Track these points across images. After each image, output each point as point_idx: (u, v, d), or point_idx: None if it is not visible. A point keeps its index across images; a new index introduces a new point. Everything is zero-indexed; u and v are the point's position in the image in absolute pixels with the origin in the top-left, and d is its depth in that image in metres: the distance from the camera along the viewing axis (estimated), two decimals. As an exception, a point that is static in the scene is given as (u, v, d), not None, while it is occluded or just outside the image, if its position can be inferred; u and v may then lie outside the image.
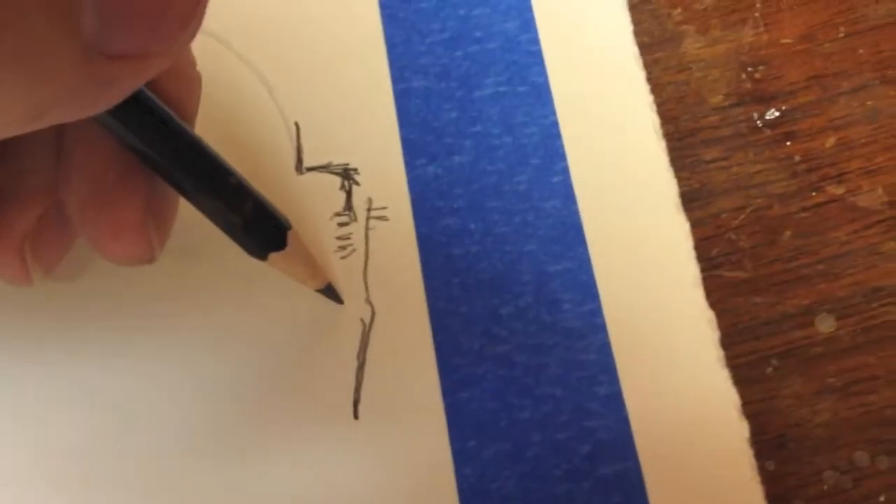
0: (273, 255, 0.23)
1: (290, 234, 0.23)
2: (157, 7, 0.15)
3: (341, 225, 0.26)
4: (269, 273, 0.25)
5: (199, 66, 0.28)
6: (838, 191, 0.27)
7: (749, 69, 0.28)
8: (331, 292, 0.25)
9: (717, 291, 0.26)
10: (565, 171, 0.27)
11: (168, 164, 0.20)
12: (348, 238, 0.26)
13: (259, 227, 0.22)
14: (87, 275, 0.26)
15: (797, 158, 0.27)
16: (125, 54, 0.16)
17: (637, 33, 0.29)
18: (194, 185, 0.21)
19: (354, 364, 0.25)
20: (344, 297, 0.26)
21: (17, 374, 0.25)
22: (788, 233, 0.26)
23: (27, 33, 0.14)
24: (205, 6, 0.16)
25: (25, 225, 0.22)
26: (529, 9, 0.29)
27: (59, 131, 0.21)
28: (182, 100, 0.21)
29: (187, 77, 0.22)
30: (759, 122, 0.28)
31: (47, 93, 0.15)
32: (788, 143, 0.27)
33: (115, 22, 0.15)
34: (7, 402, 0.25)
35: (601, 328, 0.25)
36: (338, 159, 0.27)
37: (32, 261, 0.22)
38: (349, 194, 0.27)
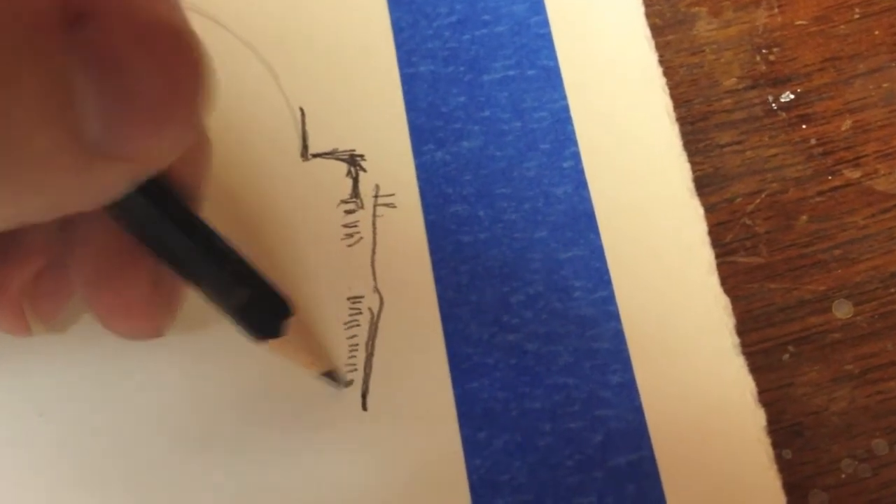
0: (271, 342, 0.21)
1: (292, 321, 0.21)
2: (161, 111, 0.15)
3: (348, 212, 0.26)
4: (274, 265, 0.24)
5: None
6: (855, 174, 0.26)
7: (763, 51, 0.28)
8: (334, 377, 0.24)
9: (732, 277, 0.25)
10: (576, 157, 0.26)
11: (162, 249, 0.19)
12: (355, 226, 0.26)
13: (254, 315, 0.21)
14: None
15: (813, 142, 0.27)
16: (126, 157, 0.15)
17: (649, 15, 0.28)
18: (188, 272, 0.20)
19: (363, 355, 0.24)
20: (338, 280, 0.25)
21: (13, 374, 0.25)
22: (804, 217, 0.26)
23: (25, 154, 0.13)
24: (203, 110, 0.16)
25: (23, 281, 0.21)
26: (538, -9, 0.28)
27: None
28: (187, 173, 0.20)
29: (194, 147, 0.20)
30: (773, 104, 0.27)
31: (39, 200, 0.15)
32: (804, 127, 0.27)
33: (120, 126, 0.14)
34: (4, 402, 0.25)
35: (614, 316, 0.25)
36: (344, 145, 0.27)
37: (31, 314, 0.22)
38: (356, 181, 0.26)
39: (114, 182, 0.16)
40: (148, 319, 0.20)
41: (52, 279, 0.21)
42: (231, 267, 0.20)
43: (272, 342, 0.21)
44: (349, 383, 0.24)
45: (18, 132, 0.13)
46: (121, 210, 0.18)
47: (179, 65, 0.15)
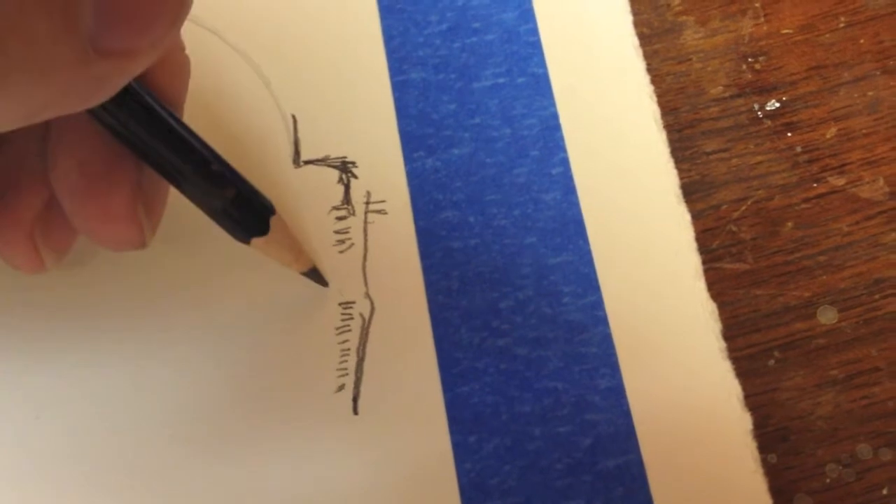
0: (256, 240, 0.23)
1: (273, 220, 0.23)
2: (147, 10, 0.16)
3: (339, 219, 0.26)
4: (264, 266, 0.25)
5: (197, 59, 0.28)
6: (839, 182, 0.27)
7: (749, 60, 0.28)
8: (315, 275, 0.25)
9: (719, 283, 0.26)
10: (565, 163, 0.27)
11: (150, 150, 0.21)
12: (346, 232, 0.26)
13: (241, 212, 0.22)
14: (81, 272, 0.26)
15: (798, 149, 0.27)
16: (118, 51, 0.16)
17: (637, 24, 0.28)
18: (175, 171, 0.21)
19: (354, 359, 0.25)
20: (330, 280, 0.25)
21: (10, 376, 0.25)
22: (790, 224, 0.26)
23: (31, 37, 0.15)
24: (191, 2, 0.17)
25: (33, 210, 0.22)
26: (528, -1, 0.29)
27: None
28: (170, 84, 0.21)
29: (175, 62, 0.22)
30: (759, 112, 0.28)
31: (46, 92, 0.16)
32: (789, 134, 0.27)
33: (112, 20, 0.16)
34: (2, 404, 0.25)
35: (602, 321, 0.25)
36: (335, 152, 0.27)
37: (44, 246, 0.22)
38: (347, 187, 0.27)
39: (108, 77, 0.17)
40: (131, 226, 0.21)
41: (60, 210, 0.22)
42: (215, 168, 0.21)
43: (256, 241, 0.23)
44: (327, 284, 0.25)
45: (23, 17, 0.14)
46: (110, 114, 0.20)
47: None
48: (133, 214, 0.21)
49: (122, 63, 0.17)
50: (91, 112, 0.20)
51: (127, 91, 0.19)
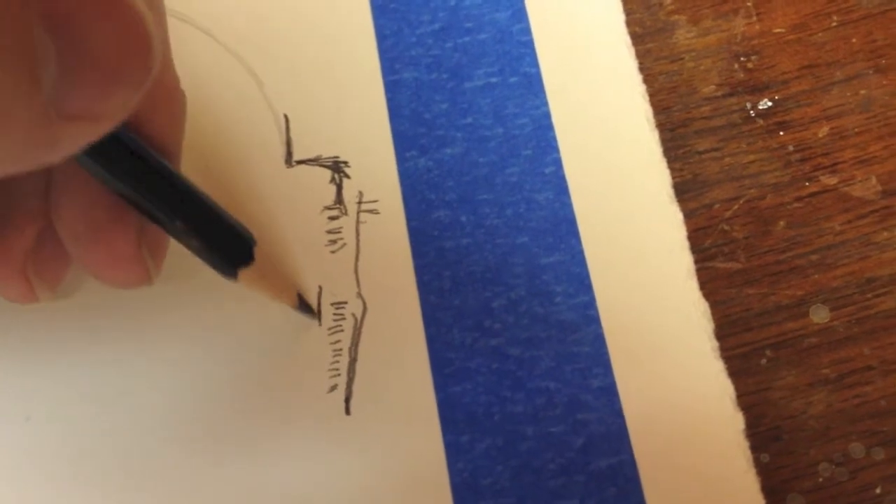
0: (243, 273, 0.22)
1: (256, 251, 0.23)
2: (112, 73, 0.16)
3: (332, 219, 0.26)
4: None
5: (190, 60, 0.28)
6: (832, 181, 0.27)
7: (742, 59, 0.28)
8: (304, 306, 0.25)
9: (711, 282, 0.26)
10: (557, 163, 0.27)
11: (127, 196, 0.21)
12: (339, 232, 0.26)
13: (222, 248, 0.22)
14: (76, 274, 0.26)
15: (790, 148, 0.27)
16: (82, 115, 0.16)
17: (629, 23, 0.28)
18: (153, 214, 0.21)
19: (346, 359, 0.25)
20: (322, 282, 0.25)
21: (0, 379, 0.25)
22: (782, 223, 0.26)
23: None
24: (153, 72, 0.16)
25: (25, 244, 0.22)
26: (521, -1, 0.29)
27: None
28: (163, 124, 0.21)
29: (169, 99, 0.22)
30: (751, 112, 0.28)
31: (4, 151, 0.15)
32: (781, 133, 0.27)
33: (77, 81, 0.15)
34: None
35: (594, 320, 0.25)
36: (328, 152, 0.27)
37: (36, 279, 0.22)
38: (340, 187, 0.27)
39: (69, 138, 0.16)
40: (137, 268, 0.21)
41: (52, 243, 0.22)
42: (178, 225, 0.21)
43: (243, 273, 0.22)
44: (318, 315, 0.25)
45: None
46: (88, 164, 0.19)
47: (130, 30, 0.16)
48: (138, 256, 0.21)
49: (84, 126, 0.16)
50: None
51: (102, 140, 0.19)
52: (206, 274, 0.26)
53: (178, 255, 0.26)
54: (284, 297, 0.24)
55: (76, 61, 0.15)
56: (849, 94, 0.28)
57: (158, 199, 0.21)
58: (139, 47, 0.16)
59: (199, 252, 0.22)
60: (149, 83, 0.17)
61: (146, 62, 0.16)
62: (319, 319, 0.25)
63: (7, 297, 0.22)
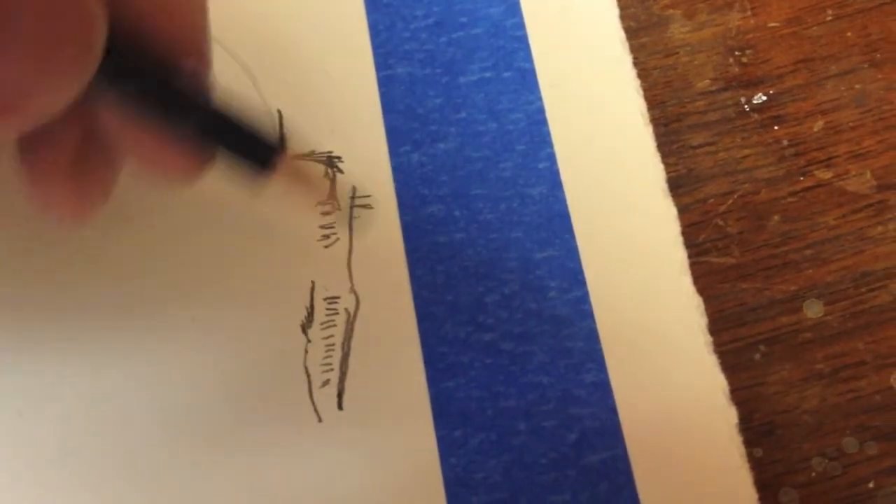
0: (281, 161, 0.21)
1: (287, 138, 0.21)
2: (40, 54, 0.14)
3: (325, 213, 0.26)
4: (249, 262, 0.24)
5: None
6: (826, 175, 0.27)
7: (736, 53, 0.28)
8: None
9: (705, 277, 0.26)
10: (551, 158, 0.27)
11: (153, 110, 0.19)
12: (332, 227, 0.26)
13: (255, 143, 0.21)
14: (63, 270, 0.26)
15: (785, 143, 0.27)
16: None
17: (623, 18, 0.28)
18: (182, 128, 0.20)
19: (339, 354, 0.25)
20: (314, 278, 0.25)
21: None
22: (776, 218, 0.26)
23: None
24: (94, 60, 0.15)
25: (69, 150, 0.20)
26: (515, -7, 0.29)
27: None
28: (181, 23, 0.19)
29: (189, 7, 0.19)
30: (746, 106, 0.27)
31: None
32: (776, 128, 0.27)
33: None
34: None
35: (588, 315, 0.25)
36: (321, 147, 0.27)
37: (86, 188, 0.20)
38: (333, 182, 0.26)
39: None
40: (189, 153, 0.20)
41: (95, 148, 0.20)
42: (215, 106, 0.20)
43: (282, 162, 0.21)
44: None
45: None
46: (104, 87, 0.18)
47: (66, 13, 0.14)
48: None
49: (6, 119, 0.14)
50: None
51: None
52: (203, 268, 0.26)
53: (170, 253, 0.26)
54: (319, 185, 0.23)
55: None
56: (843, 88, 0.28)
57: (186, 116, 0.19)
58: (77, 26, 0.14)
59: (233, 147, 0.20)
60: (89, 74, 0.14)
61: (86, 46, 0.14)
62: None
63: (57, 209, 0.20)
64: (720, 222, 0.26)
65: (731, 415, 0.24)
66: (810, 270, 0.26)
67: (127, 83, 0.19)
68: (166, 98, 0.19)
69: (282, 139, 0.21)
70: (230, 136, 0.20)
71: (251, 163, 0.21)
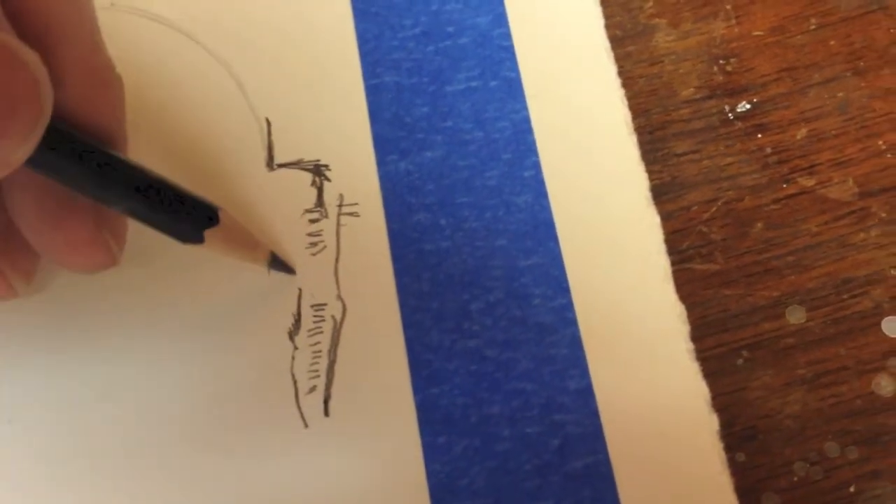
0: (209, 234, 0.22)
1: (221, 214, 0.23)
2: None
3: (312, 221, 0.26)
4: (236, 267, 0.25)
5: (171, 63, 0.28)
6: (809, 182, 0.27)
7: (721, 62, 0.28)
8: (279, 264, 0.25)
9: (688, 284, 0.26)
10: (537, 166, 0.27)
11: (76, 185, 0.20)
12: (319, 234, 0.26)
13: (186, 212, 0.22)
14: (50, 276, 0.26)
15: (768, 150, 0.27)
16: None
17: (609, 27, 0.29)
18: (105, 196, 0.21)
19: (325, 361, 0.25)
20: (299, 277, 0.26)
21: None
22: (759, 225, 0.26)
23: None
24: (42, 122, 0.16)
25: None
26: (501, 3, 0.29)
27: None
28: (102, 111, 0.21)
29: (104, 85, 0.21)
30: (730, 114, 0.28)
31: None
32: (759, 136, 0.27)
33: None
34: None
35: (572, 322, 0.25)
36: (309, 155, 0.27)
37: (10, 271, 0.22)
38: (320, 190, 0.27)
39: None
40: (99, 250, 0.21)
41: (19, 235, 0.21)
42: (145, 182, 0.21)
43: (210, 234, 0.22)
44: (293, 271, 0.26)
45: None
46: (33, 164, 0.19)
47: (13, 77, 0.15)
48: (98, 238, 0.21)
49: None
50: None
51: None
52: (191, 275, 0.26)
53: (155, 257, 0.26)
54: (256, 255, 0.24)
55: None
56: (826, 96, 0.28)
57: (103, 186, 0.20)
58: (24, 95, 0.15)
59: (159, 225, 0.22)
60: (37, 136, 0.15)
61: (33, 113, 0.15)
62: (294, 272, 0.26)
63: None
64: (704, 229, 0.26)
65: (712, 421, 0.24)
66: (793, 277, 0.26)
67: (62, 157, 0.20)
68: (97, 175, 0.20)
69: (212, 211, 0.23)
70: (156, 214, 0.22)
71: (179, 235, 0.22)
